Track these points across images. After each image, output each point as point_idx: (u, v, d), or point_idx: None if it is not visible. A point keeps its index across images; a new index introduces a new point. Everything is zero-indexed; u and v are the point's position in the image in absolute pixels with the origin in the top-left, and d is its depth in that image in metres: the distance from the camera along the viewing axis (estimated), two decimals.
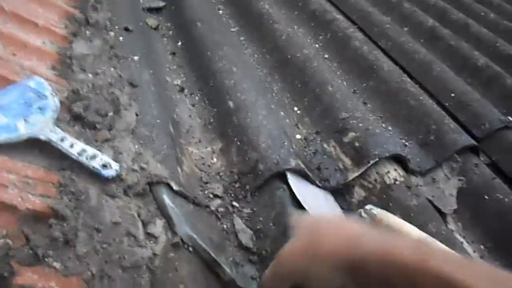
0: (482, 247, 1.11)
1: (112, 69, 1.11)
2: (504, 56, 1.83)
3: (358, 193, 1.09)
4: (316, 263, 0.54)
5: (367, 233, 0.54)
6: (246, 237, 0.90)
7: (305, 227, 0.62)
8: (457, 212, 1.16)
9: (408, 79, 1.44)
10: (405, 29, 1.91)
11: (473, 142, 1.25)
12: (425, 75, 1.54)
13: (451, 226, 1.13)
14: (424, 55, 1.62)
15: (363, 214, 0.90)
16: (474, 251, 1.09)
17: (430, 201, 1.11)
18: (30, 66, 0.99)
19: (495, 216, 1.12)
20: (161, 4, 1.64)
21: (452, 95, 1.45)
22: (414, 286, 0.43)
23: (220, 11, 1.72)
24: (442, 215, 1.12)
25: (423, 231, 0.90)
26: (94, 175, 0.80)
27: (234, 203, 0.96)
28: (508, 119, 1.41)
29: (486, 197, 1.15)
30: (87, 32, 1.24)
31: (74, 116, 0.92)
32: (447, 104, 1.43)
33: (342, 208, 1.06)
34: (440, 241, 0.87)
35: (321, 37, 1.64)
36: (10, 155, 0.76)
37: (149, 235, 0.77)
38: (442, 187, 1.18)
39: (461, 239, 1.10)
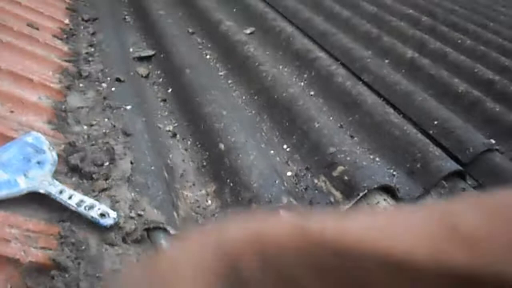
0: None
1: (106, 119, 1.16)
2: (483, 81, 1.90)
3: None
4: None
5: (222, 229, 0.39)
6: None
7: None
8: None
9: (392, 110, 1.49)
10: (386, 61, 1.99)
11: (458, 167, 1.29)
12: (408, 105, 1.60)
13: None
14: (405, 86, 1.68)
15: None
16: None
17: None
18: (28, 122, 1.03)
19: None
20: (151, 52, 1.71)
21: (435, 122, 1.50)
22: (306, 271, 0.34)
23: (208, 56, 1.79)
24: None
25: None
26: (93, 225, 0.83)
27: None
28: (491, 142, 1.46)
29: None
30: (81, 84, 1.29)
31: (71, 168, 0.95)
32: (431, 132, 1.49)
33: None
34: None
35: (305, 76, 1.71)
36: (12, 210, 0.79)
37: None
38: None
39: None
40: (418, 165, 1.28)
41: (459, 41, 2.41)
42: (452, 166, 1.28)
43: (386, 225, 0.33)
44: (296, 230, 0.35)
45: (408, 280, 0.29)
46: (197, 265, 0.37)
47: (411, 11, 2.80)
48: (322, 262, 0.33)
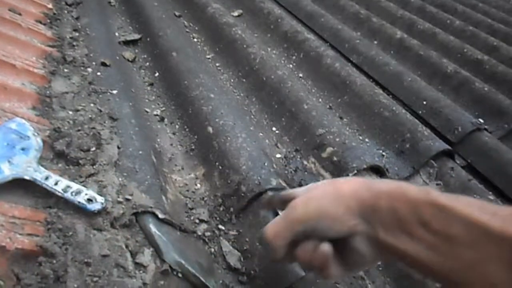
0: None
1: (91, 104, 1.14)
2: (471, 61, 1.91)
3: None
4: (335, 203, 0.57)
5: (377, 180, 0.62)
6: (234, 258, 0.92)
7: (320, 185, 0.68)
8: None
9: (381, 91, 1.49)
10: (375, 42, 1.98)
11: (447, 146, 1.29)
12: (397, 86, 1.59)
13: None
14: (394, 66, 1.68)
15: None
16: None
17: None
18: (11, 108, 1.01)
19: None
20: (137, 36, 1.68)
21: (424, 102, 1.50)
22: (419, 217, 0.51)
23: (195, 39, 1.77)
24: None
25: None
26: (80, 211, 0.82)
27: (220, 226, 0.98)
28: (479, 121, 1.47)
29: None
30: (65, 69, 1.27)
31: (57, 154, 0.94)
32: (420, 112, 1.49)
33: None
34: None
35: (294, 57, 1.69)
36: None
37: (138, 265, 0.79)
38: None
39: None
40: (407, 145, 1.28)
41: (448, 21, 2.40)
42: (441, 145, 1.28)
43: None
44: (421, 193, 0.53)
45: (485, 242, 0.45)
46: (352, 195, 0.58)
47: None
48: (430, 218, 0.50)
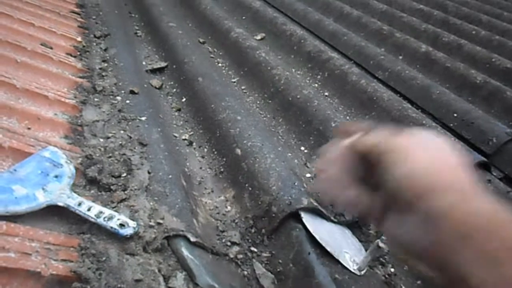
0: None
1: (121, 131, 1.16)
2: (501, 70, 1.86)
3: None
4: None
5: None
6: (267, 281, 0.90)
7: None
8: None
9: (409, 106, 1.46)
10: (400, 57, 1.96)
11: (482, 158, 1.25)
12: (426, 100, 1.57)
13: None
14: (421, 80, 1.65)
15: (380, 244, 0.90)
16: None
17: None
18: (44, 137, 1.04)
19: None
20: (163, 64, 1.71)
21: (455, 115, 1.47)
22: None
23: (219, 64, 1.79)
24: None
25: None
26: (113, 235, 0.82)
27: (252, 248, 0.97)
28: None
29: None
30: (95, 99, 1.30)
31: (89, 180, 0.95)
32: (451, 124, 1.45)
33: (360, 241, 1.06)
34: None
35: (319, 77, 1.69)
36: (32, 224, 0.79)
37: None
38: None
39: None
40: None
41: (474, 32, 2.37)
42: (476, 157, 1.24)
43: None
44: None
45: None
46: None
47: (421, 6, 2.77)
48: None
